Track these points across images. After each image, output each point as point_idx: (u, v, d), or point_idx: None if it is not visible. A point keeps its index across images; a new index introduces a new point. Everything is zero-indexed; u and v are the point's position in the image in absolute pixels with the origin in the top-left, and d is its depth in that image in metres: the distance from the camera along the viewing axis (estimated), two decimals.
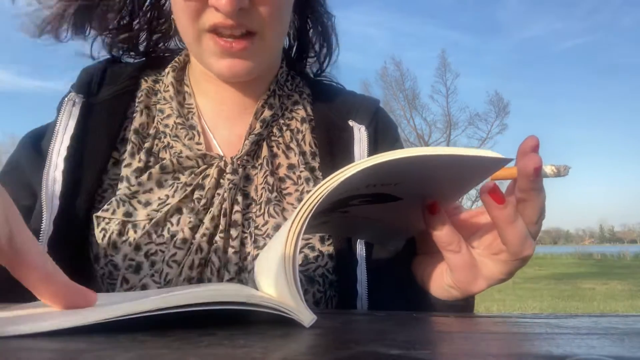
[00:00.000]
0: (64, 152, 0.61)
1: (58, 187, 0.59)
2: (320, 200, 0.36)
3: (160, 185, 0.61)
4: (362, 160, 0.37)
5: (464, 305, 0.52)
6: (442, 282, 0.51)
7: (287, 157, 0.66)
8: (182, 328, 0.32)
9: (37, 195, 0.60)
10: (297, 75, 0.75)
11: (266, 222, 0.60)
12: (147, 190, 0.61)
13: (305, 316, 0.33)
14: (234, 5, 0.54)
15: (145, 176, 0.61)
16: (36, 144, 0.65)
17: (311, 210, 0.36)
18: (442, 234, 0.47)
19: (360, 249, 0.62)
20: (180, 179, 0.62)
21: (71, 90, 0.66)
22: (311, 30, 0.77)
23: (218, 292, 0.34)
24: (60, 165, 0.60)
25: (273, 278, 0.38)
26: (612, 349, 0.28)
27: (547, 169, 0.42)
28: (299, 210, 0.36)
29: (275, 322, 0.35)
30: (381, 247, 0.65)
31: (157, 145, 0.65)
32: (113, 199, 0.59)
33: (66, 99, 0.64)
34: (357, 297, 0.61)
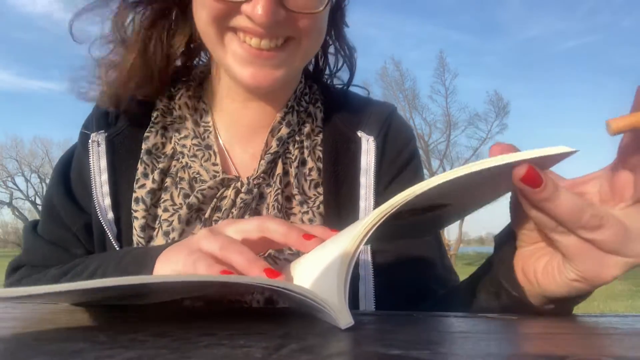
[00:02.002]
0: (107, 198, 0.62)
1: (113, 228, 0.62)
2: (389, 214, 0.36)
3: (189, 223, 0.61)
4: (430, 180, 0.35)
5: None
6: (560, 278, 0.39)
7: (295, 176, 0.65)
8: (182, 328, 0.32)
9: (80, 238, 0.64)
10: (314, 82, 0.72)
11: None
12: (181, 232, 0.60)
13: (345, 318, 0.33)
14: (270, 17, 0.50)
15: (175, 219, 0.60)
16: (68, 191, 0.65)
17: (379, 221, 0.36)
18: (565, 208, 0.35)
19: (364, 261, 0.61)
20: (205, 210, 0.61)
21: (89, 124, 0.65)
22: (332, 46, 0.73)
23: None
24: (110, 214, 0.62)
25: (314, 277, 0.38)
26: (612, 349, 0.28)
27: None
28: (366, 220, 0.36)
29: (275, 322, 0.35)
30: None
31: (174, 166, 0.64)
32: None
33: (90, 142, 0.64)
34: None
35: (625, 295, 8.07)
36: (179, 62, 0.67)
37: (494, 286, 0.45)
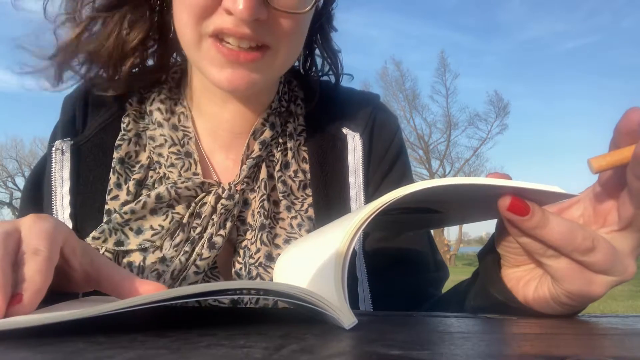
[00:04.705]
0: (67, 209, 0.59)
1: None
2: (376, 213, 0.36)
3: (154, 212, 0.57)
4: (421, 183, 0.36)
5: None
6: (553, 301, 0.40)
7: (279, 179, 0.62)
8: (182, 328, 0.32)
9: None
10: (293, 78, 0.69)
11: (258, 250, 0.57)
12: (140, 217, 0.57)
13: (347, 317, 0.32)
14: (252, 12, 0.47)
15: (140, 204, 0.57)
16: (36, 204, 0.62)
17: (367, 219, 0.35)
18: (557, 232, 0.36)
19: (360, 265, 0.60)
20: (176, 208, 0.58)
21: (56, 134, 0.62)
22: (318, 48, 0.70)
23: (266, 283, 0.35)
24: (69, 224, 0.58)
25: (310, 278, 0.37)
26: (612, 349, 0.28)
27: None
28: (357, 217, 0.36)
29: (274, 322, 0.35)
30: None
31: (151, 177, 0.60)
32: (105, 226, 0.56)
33: (53, 149, 0.60)
34: None
35: (625, 296, 8.06)
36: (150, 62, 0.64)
37: (483, 294, 0.45)
